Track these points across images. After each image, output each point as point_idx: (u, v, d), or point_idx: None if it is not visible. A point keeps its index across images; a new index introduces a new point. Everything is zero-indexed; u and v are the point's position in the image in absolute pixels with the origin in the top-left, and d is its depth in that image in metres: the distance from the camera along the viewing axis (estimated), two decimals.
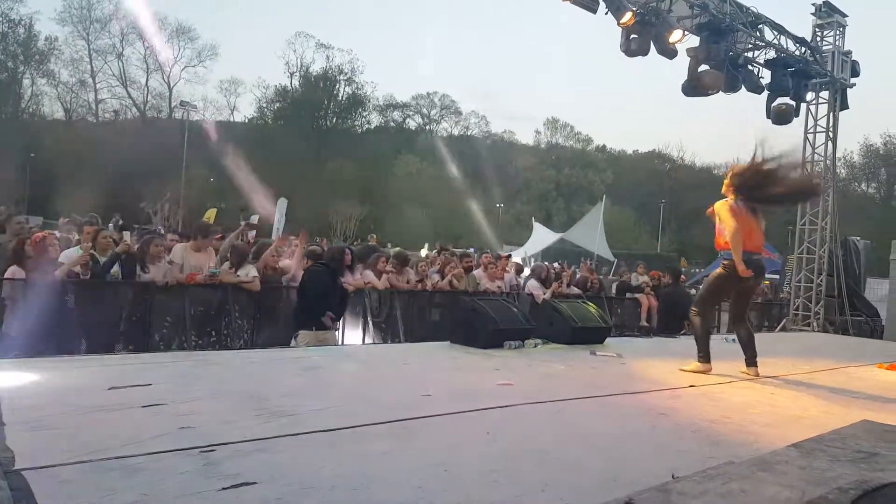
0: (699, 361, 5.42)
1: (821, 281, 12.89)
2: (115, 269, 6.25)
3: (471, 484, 2.28)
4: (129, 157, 41.57)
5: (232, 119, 62.93)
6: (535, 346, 6.17)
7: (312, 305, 6.11)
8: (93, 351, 5.43)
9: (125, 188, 32.80)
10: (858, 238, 14.58)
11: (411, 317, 8.45)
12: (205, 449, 2.42)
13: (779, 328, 13.39)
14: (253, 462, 2.33)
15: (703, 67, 10.88)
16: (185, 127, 43.35)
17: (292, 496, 2.04)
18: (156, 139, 44.85)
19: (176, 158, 40.65)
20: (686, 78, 11.07)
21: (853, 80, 12.88)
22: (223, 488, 2.06)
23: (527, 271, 11.04)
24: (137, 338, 6.25)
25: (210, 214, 20.17)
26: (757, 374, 5.36)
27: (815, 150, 13.09)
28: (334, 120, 62.75)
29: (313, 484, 2.16)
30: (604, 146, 72.09)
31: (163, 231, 12.09)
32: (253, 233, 12.00)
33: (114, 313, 6.23)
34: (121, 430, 2.59)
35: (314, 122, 60.25)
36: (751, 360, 5.44)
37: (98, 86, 54.75)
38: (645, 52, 9.94)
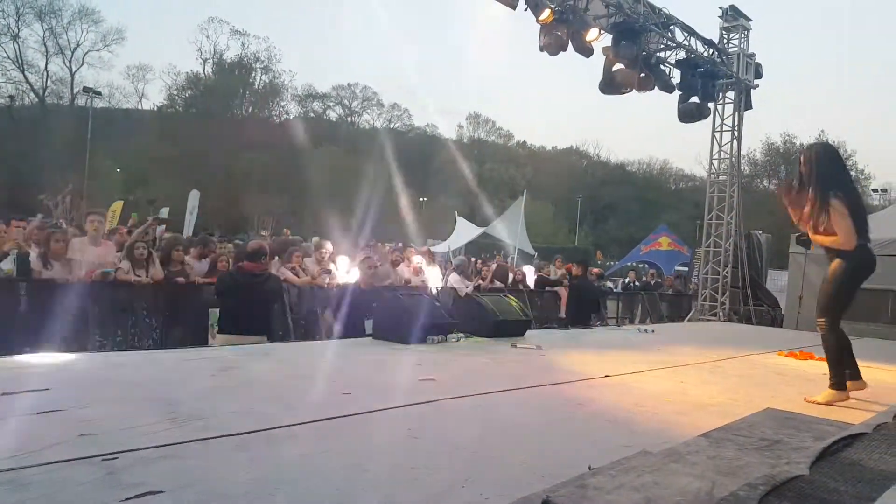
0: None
1: (726, 273, 13.59)
2: (10, 265, 5.84)
3: (391, 483, 2.24)
4: (26, 145, 39.05)
5: (140, 107, 60.16)
6: (458, 340, 6.18)
7: (224, 310, 5.94)
8: None
9: (22, 178, 30.72)
10: (761, 232, 15.49)
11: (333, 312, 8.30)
12: (107, 457, 2.27)
13: (687, 318, 14.04)
14: (160, 470, 2.20)
15: (618, 66, 11.22)
16: (89, 114, 40.97)
17: None
18: (56, 127, 42.21)
19: (79, 148, 38.33)
20: (602, 76, 11.41)
21: (756, 82, 13.61)
22: (126, 499, 1.93)
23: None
24: (34, 339, 5.85)
25: (116, 207, 19.13)
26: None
27: (722, 148, 13.78)
28: (250, 109, 60.74)
29: (225, 491, 2.05)
30: (524, 142, 73.40)
31: (64, 225, 11.36)
32: (162, 227, 11.46)
33: (8, 313, 5.81)
34: (12, 440, 2.39)
35: (229, 111, 58.08)
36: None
37: None
38: (563, 50, 10.14)
